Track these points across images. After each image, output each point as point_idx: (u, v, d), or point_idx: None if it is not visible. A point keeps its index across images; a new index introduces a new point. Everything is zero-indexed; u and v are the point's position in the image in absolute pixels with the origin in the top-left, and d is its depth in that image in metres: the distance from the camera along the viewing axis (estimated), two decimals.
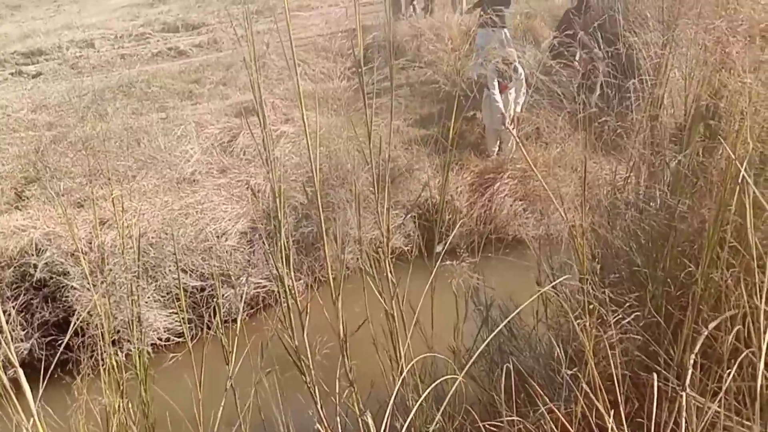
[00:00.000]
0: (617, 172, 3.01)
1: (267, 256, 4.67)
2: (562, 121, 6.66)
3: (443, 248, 7.16)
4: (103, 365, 2.33)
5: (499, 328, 2.12)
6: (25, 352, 4.84)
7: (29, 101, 8.75)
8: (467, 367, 1.82)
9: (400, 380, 1.93)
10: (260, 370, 2.77)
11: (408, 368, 2.05)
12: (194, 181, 6.12)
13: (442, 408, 2.00)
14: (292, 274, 2.14)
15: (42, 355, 4.82)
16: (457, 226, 3.11)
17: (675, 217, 2.16)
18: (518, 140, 6.20)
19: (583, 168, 6.13)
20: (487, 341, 2.04)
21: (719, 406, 1.91)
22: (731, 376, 1.56)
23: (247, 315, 5.61)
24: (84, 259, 3.03)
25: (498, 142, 6.95)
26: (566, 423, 1.79)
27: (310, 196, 4.03)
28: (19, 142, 7.41)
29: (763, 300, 1.41)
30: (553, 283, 2.26)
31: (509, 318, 2.04)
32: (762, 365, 1.38)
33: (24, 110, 8.46)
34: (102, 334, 2.32)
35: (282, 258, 2.03)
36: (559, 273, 3.13)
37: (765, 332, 1.39)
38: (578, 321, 2.06)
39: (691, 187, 2.24)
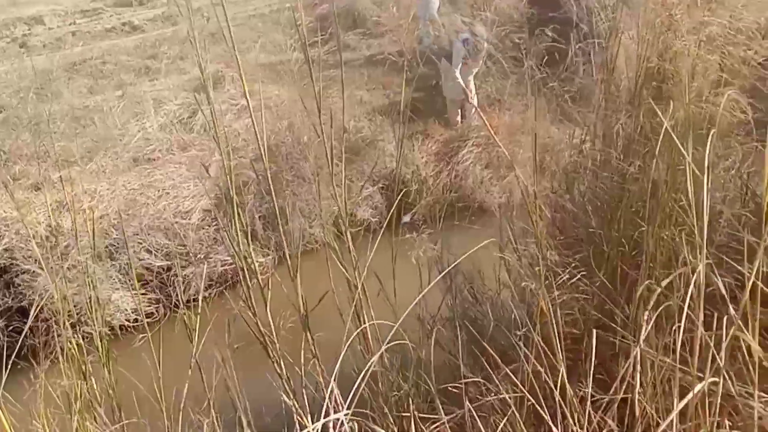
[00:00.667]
0: (574, 136, 3.05)
1: (223, 234, 4.62)
2: (522, 86, 6.70)
3: (411, 218, 7.18)
4: (62, 349, 2.31)
5: (432, 282, 2.15)
6: None
7: None
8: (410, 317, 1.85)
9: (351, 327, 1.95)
10: (228, 346, 2.78)
11: (362, 326, 2.07)
12: (154, 159, 6.00)
13: (397, 370, 2.03)
14: (251, 250, 2.13)
15: (5, 342, 4.74)
16: (404, 195, 3.12)
17: (626, 179, 2.20)
18: (479, 112, 6.21)
19: (542, 133, 6.20)
20: (421, 288, 2.05)
21: (671, 360, 1.99)
22: (673, 328, 1.62)
23: (216, 293, 5.58)
24: (34, 243, 2.96)
25: (460, 112, 6.97)
26: (516, 382, 1.84)
27: (258, 174, 3.97)
28: None
29: (704, 258, 1.46)
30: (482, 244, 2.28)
31: (447, 270, 2.06)
32: (701, 318, 1.43)
33: None
34: (57, 319, 2.30)
35: (237, 235, 2.02)
36: (522, 238, 3.18)
37: (705, 288, 1.45)
38: (533, 283, 2.11)
39: (643, 149, 2.29)
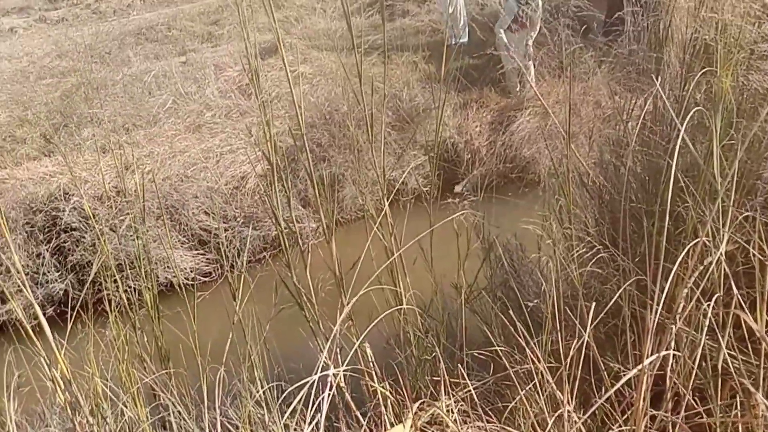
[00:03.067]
0: (626, 107, 2.96)
1: (268, 200, 4.75)
2: (584, 54, 6.47)
3: (463, 188, 7.13)
4: (110, 302, 2.49)
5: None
6: (61, 293, 5.11)
7: (54, 48, 8.85)
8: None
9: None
10: (274, 306, 2.91)
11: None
12: (213, 124, 6.19)
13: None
14: (293, 215, 2.21)
15: (77, 294, 5.08)
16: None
17: (672, 153, 2.13)
18: (531, 82, 6.05)
19: (606, 101, 5.98)
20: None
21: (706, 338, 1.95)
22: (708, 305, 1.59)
23: (270, 255, 5.77)
24: (87, 204, 3.13)
25: (519, 79, 6.80)
26: (537, 354, 1.85)
27: (296, 140, 4.02)
28: (45, 89, 7.55)
29: (726, 233, 1.43)
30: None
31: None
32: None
33: (49, 57, 8.57)
34: (107, 275, 2.47)
35: (277, 201, 2.09)
36: (567, 212, 3.14)
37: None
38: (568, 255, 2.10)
39: (693, 121, 2.21)
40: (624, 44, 3.45)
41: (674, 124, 2.18)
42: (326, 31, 7.54)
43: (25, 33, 10.34)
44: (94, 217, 2.65)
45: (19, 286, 2.09)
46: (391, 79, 6.63)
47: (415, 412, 1.65)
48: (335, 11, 8.59)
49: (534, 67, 6.63)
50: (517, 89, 6.80)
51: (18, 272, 2.02)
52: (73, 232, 5.01)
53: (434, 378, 2.32)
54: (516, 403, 2.09)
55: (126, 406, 2.13)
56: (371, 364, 2.18)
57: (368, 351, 2.16)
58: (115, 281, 2.55)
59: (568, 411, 1.62)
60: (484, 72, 6.97)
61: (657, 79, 2.58)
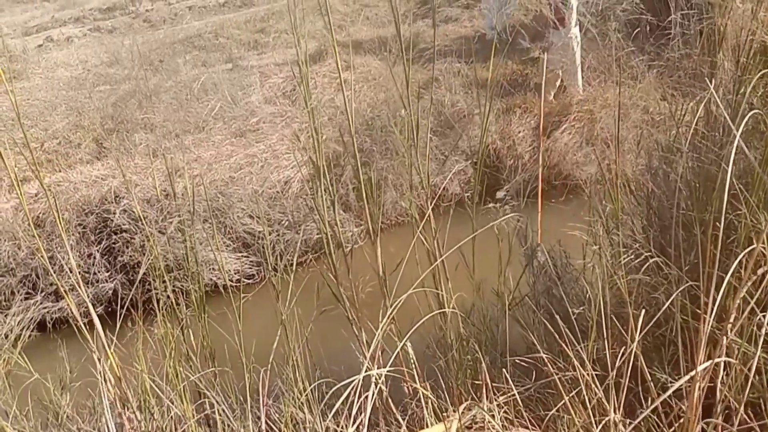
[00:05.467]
0: (676, 113, 2.89)
1: (314, 204, 4.82)
2: (632, 58, 6.33)
3: (505, 194, 7.07)
4: (158, 301, 2.56)
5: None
6: (110, 292, 5.27)
7: (106, 56, 9.17)
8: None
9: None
10: (316, 308, 2.94)
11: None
12: (258, 130, 6.31)
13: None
14: (336, 218, 2.24)
15: (125, 294, 5.24)
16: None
17: (725, 159, 2.07)
18: (580, 90, 5.95)
19: (655, 108, 5.84)
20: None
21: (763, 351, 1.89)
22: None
23: (312, 258, 5.83)
24: (137, 207, 3.22)
25: (558, 85, 6.69)
26: (583, 362, 1.82)
27: (346, 146, 4.06)
28: (99, 95, 7.83)
29: None
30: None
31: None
32: None
33: (102, 65, 8.89)
34: (156, 275, 2.54)
35: (323, 204, 2.12)
36: (614, 218, 3.08)
37: None
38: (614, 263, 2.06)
39: (747, 127, 2.14)
40: (674, 48, 3.37)
41: (728, 128, 2.12)
42: (371, 38, 7.61)
43: (81, 42, 10.75)
44: (144, 219, 2.74)
45: (72, 284, 2.17)
46: (434, 85, 6.64)
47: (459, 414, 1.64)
48: (380, 18, 8.65)
49: (582, 71, 6.51)
50: (551, 96, 6.68)
51: (72, 271, 2.10)
52: (123, 234, 5.17)
53: (475, 382, 2.30)
54: (559, 411, 2.05)
55: (173, 403, 2.20)
56: (413, 365, 2.18)
57: (410, 351, 2.16)
58: (164, 281, 2.62)
59: (615, 420, 1.58)
60: (529, 77, 6.91)
61: (710, 83, 2.51)
